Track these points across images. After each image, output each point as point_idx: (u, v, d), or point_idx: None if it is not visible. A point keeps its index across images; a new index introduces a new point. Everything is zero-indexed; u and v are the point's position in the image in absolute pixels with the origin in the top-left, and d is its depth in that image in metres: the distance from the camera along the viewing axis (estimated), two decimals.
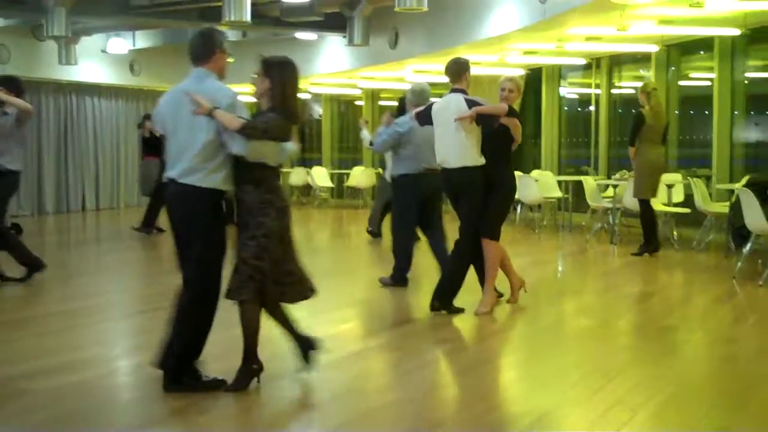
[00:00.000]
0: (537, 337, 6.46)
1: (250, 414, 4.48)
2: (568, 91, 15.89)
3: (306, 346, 4.95)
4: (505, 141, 6.86)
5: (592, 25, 10.93)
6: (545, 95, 15.37)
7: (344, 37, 14.49)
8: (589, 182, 12.06)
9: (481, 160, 6.73)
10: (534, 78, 15.60)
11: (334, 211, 17.71)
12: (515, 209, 14.19)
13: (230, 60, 4.87)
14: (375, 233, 11.82)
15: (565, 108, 15.66)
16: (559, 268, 9.62)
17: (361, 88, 18.26)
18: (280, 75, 4.73)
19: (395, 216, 8.15)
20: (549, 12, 10.25)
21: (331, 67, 16.75)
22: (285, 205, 4.78)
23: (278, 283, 4.73)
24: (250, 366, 4.72)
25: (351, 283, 8.33)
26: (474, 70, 16.11)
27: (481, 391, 4.95)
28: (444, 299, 6.77)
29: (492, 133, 6.74)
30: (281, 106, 4.68)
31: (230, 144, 4.59)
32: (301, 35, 15.80)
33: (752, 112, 12.20)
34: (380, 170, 15.05)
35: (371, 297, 7.94)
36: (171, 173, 4.66)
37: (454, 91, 6.86)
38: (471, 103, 6.68)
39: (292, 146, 4.89)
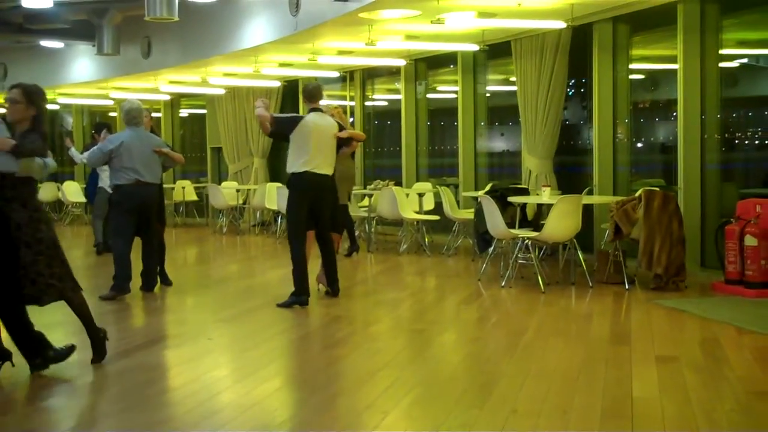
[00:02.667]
0: (297, 345, 6.54)
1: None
2: (325, 102, 16.15)
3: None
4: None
5: (343, 39, 11.23)
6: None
7: (93, 46, 13.97)
8: None
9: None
10: (290, 90, 15.80)
11: (87, 228, 16.88)
12: (276, 221, 14.26)
13: None
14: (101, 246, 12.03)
15: None
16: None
17: (113, 99, 17.61)
18: (42, 102, 5.52)
19: (111, 225, 8.77)
20: (301, 25, 10.42)
21: (80, 77, 16.08)
22: (49, 217, 5.68)
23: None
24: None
25: (103, 302, 8.03)
26: (230, 82, 16.10)
27: (243, 399, 4.93)
28: (332, 285, 8.12)
29: None
30: (40, 128, 5.46)
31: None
32: (47, 43, 15.05)
33: (497, 123, 13.03)
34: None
35: (134, 313, 7.71)
36: None
37: (315, 110, 8.05)
38: (339, 125, 8.30)
39: (52, 162, 5.65)
